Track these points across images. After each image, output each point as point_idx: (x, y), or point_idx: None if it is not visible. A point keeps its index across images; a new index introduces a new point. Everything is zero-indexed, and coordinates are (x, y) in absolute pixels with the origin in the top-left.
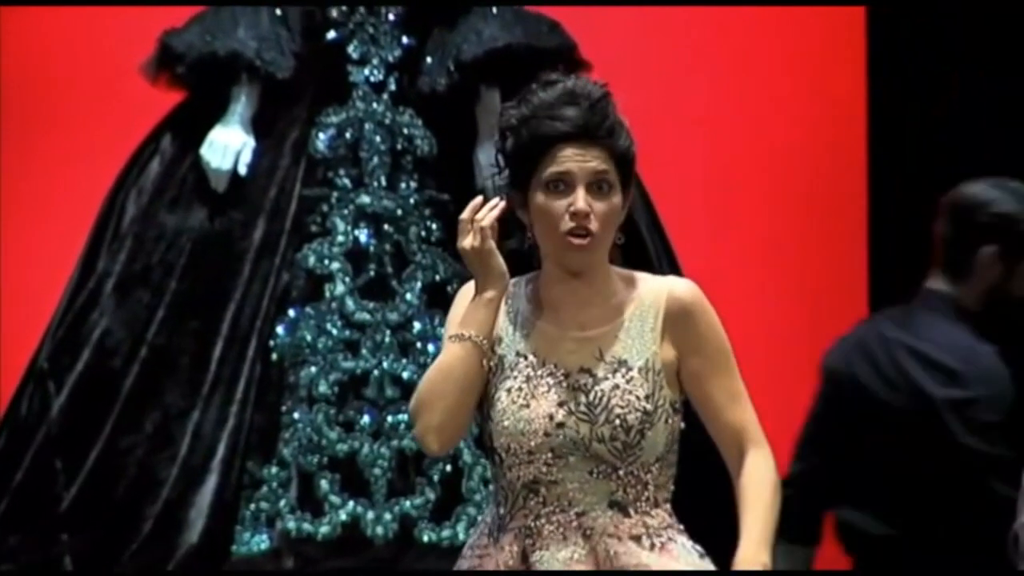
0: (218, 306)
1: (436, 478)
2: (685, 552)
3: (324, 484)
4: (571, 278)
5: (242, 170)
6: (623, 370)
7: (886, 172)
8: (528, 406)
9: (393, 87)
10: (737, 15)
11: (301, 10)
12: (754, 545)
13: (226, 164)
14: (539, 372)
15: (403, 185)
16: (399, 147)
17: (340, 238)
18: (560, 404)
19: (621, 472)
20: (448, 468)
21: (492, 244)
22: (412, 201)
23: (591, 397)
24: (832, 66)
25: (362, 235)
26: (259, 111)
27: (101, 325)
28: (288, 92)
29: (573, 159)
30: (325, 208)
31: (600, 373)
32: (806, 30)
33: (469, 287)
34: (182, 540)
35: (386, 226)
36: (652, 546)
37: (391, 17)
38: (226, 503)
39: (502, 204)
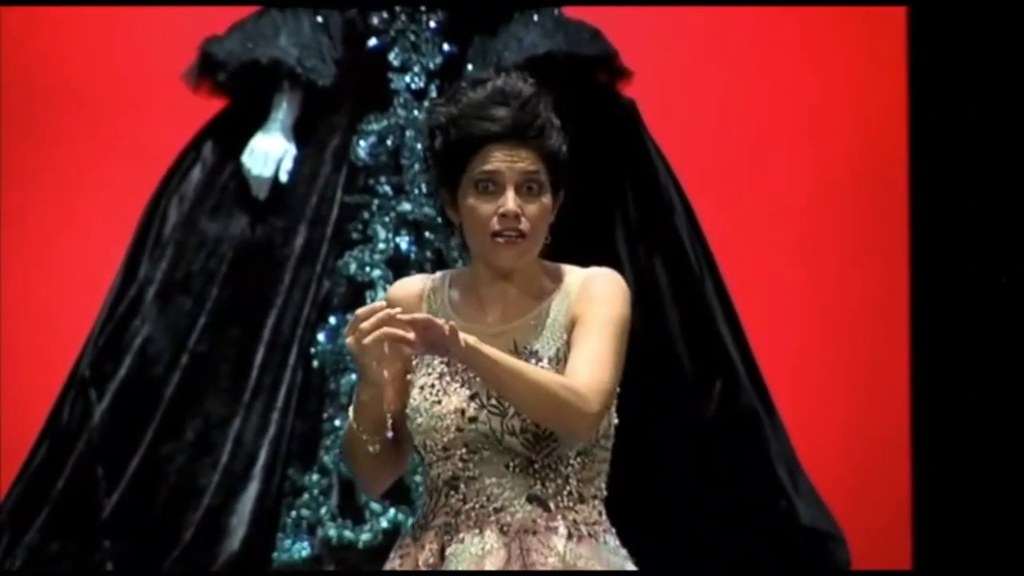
0: (259, 313)
1: None
2: (606, 551)
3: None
4: (500, 278)
5: (283, 177)
6: (533, 360)
7: (928, 175)
8: (440, 402)
9: (434, 94)
10: (774, 16)
11: (342, 17)
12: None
13: (267, 171)
14: (453, 368)
15: None
16: None
17: (381, 245)
18: (471, 398)
19: (537, 465)
20: None
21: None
22: None
23: None
24: (872, 67)
25: (403, 242)
26: (300, 118)
27: (143, 333)
28: (329, 99)
29: (502, 160)
30: (366, 215)
31: None
32: (846, 30)
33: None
34: (223, 547)
35: (427, 233)
36: (570, 535)
37: (432, 24)
38: (267, 510)
39: (393, 313)
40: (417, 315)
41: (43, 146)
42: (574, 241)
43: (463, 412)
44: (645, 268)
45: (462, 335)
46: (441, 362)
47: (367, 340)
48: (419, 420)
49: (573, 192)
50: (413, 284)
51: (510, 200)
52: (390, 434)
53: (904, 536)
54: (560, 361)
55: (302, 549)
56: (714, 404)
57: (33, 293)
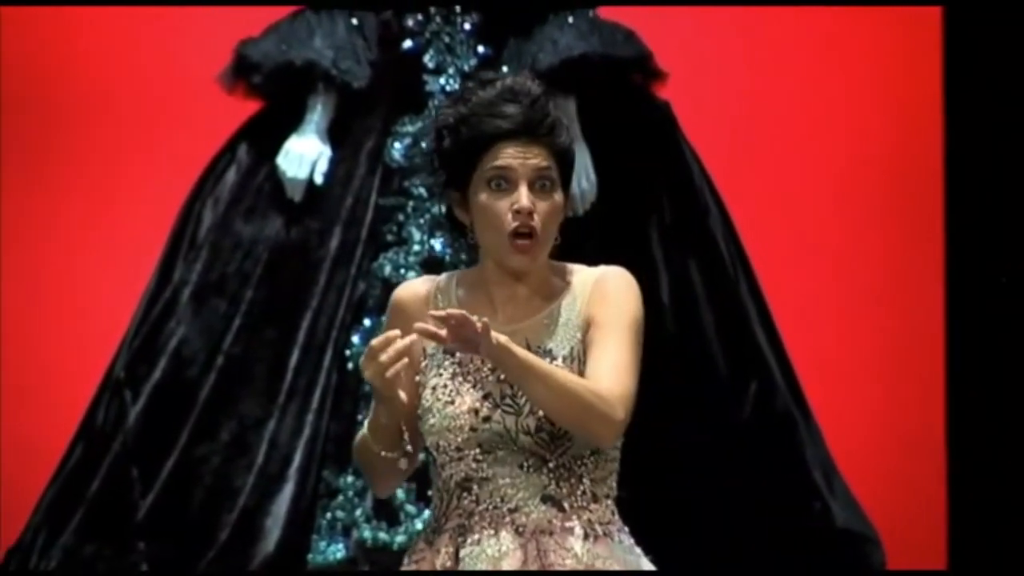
0: (294, 315)
1: None
2: (621, 550)
3: (400, 493)
4: (511, 277)
5: (318, 179)
6: (547, 359)
7: (963, 174)
8: (453, 402)
9: None
10: (808, 16)
11: (377, 19)
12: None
13: (302, 173)
14: (465, 368)
15: None
16: None
17: (416, 247)
18: (485, 397)
19: (552, 465)
20: None
21: (392, 376)
22: None
23: (515, 389)
24: (907, 67)
25: (437, 244)
26: (335, 120)
27: (178, 334)
28: (364, 101)
29: (514, 156)
30: (401, 217)
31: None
32: (881, 31)
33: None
34: (258, 549)
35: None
36: (586, 535)
37: (467, 26)
38: (302, 512)
39: (409, 341)
40: (452, 311)
41: (78, 148)
42: (609, 243)
43: (477, 412)
44: (680, 270)
45: (494, 333)
46: (452, 362)
47: (389, 374)
48: (432, 421)
49: (608, 194)
50: (419, 286)
51: (524, 196)
52: (409, 447)
53: (939, 537)
54: (575, 360)
55: (337, 551)
56: (749, 406)
57: (68, 295)
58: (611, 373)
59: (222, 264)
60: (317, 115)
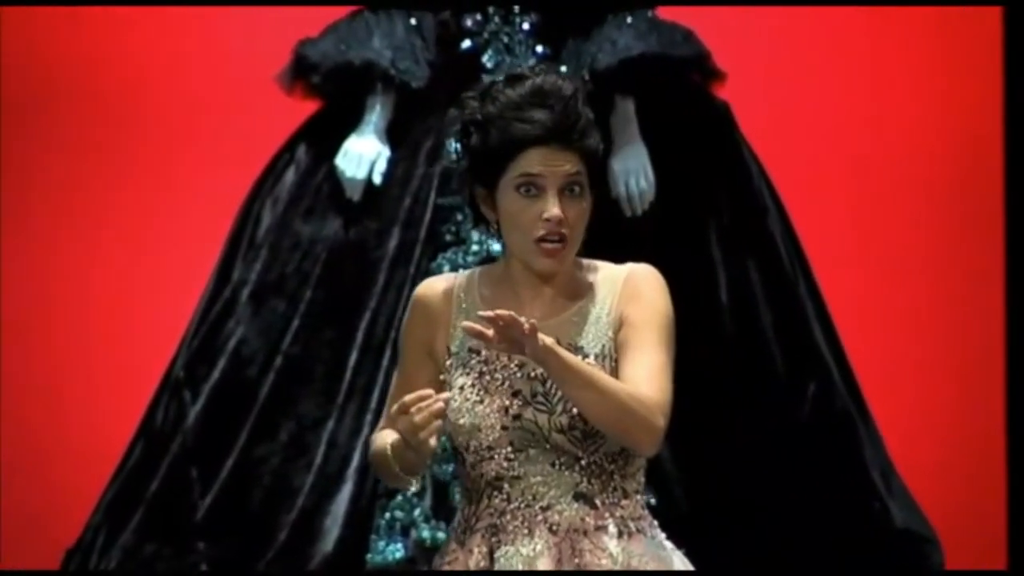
0: (353, 315)
1: None
2: (654, 546)
3: (458, 493)
4: (537, 276)
5: (377, 179)
6: (579, 357)
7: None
8: (482, 401)
9: None
10: (865, 16)
11: (436, 19)
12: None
13: (361, 173)
14: (492, 366)
15: None
16: None
17: (474, 247)
18: (514, 395)
19: (584, 462)
20: None
21: (426, 437)
22: None
23: (547, 386)
24: (967, 69)
25: (496, 244)
26: (394, 120)
27: (237, 334)
28: (423, 101)
29: (544, 163)
30: (459, 217)
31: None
32: (939, 31)
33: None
34: (317, 549)
35: None
36: (620, 533)
37: (525, 27)
38: (361, 512)
39: (445, 402)
40: (501, 312)
41: (138, 148)
42: (667, 243)
43: (507, 410)
44: (738, 270)
45: (540, 335)
46: (479, 360)
47: (422, 436)
48: (462, 420)
49: (666, 194)
50: (441, 283)
51: (554, 206)
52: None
53: (999, 537)
54: (606, 358)
55: (396, 551)
56: (807, 406)
57: (127, 295)
58: (650, 377)
59: (281, 264)
60: (376, 115)
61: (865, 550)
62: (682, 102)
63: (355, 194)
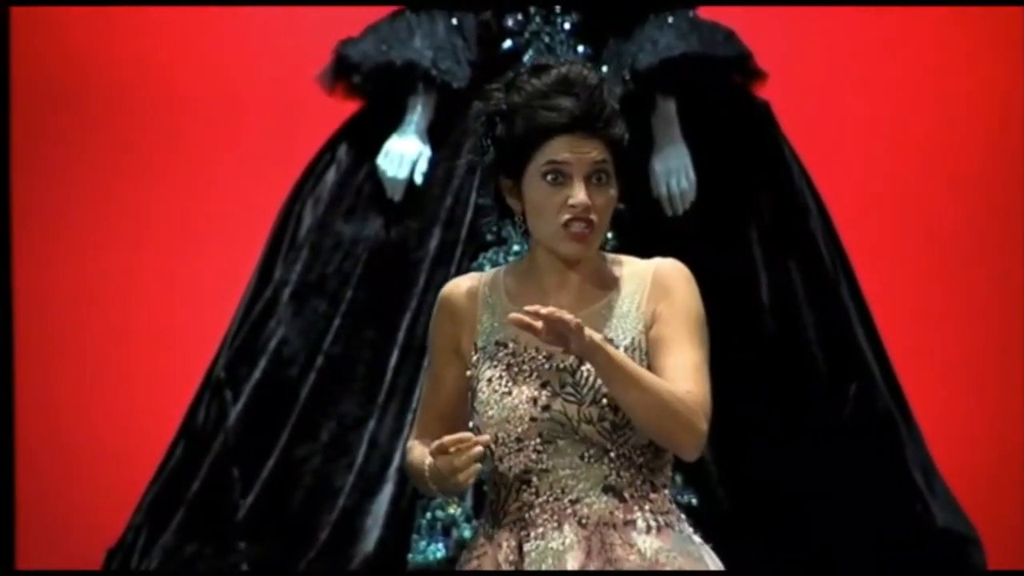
0: (394, 315)
1: None
2: (682, 540)
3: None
4: (564, 267)
5: (418, 179)
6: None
7: None
8: (510, 393)
9: None
10: (889, 16)
11: (477, 19)
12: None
13: (402, 173)
14: (520, 358)
15: None
16: None
17: (515, 247)
18: (543, 386)
19: (612, 455)
20: None
21: (464, 480)
22: None
23: (577, 377)
24: (990, 70)
25: None
26: (435, 120)
27: (278, 334)
28: (464, 101)
29: (571, 151)
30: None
31: None
32: (962, 32)
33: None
34: (358, 549)
35: None
36: (649, 528)
37: (567, 26)
38: (402, 512)
39: (483, 448)
40: (550, 308)
41: (179, 149)
42: (708, 243)
43: (535, 401)
44: (780, 271)
45: (587, 330)
46: (506, 353)
47: (461, 477)
48: (490, 412)
49: (707, 194)
50: (465, 282)
51: (581, 192)
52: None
53: None
54: (636, 350)
55: (437, 550)
56: (849, 407)
57: (168, 296)
58: (689, 376)
59: (322, 264)
60: (417, 115)
61: (907, 550)
62: (723, 102)
63: (396, 194)
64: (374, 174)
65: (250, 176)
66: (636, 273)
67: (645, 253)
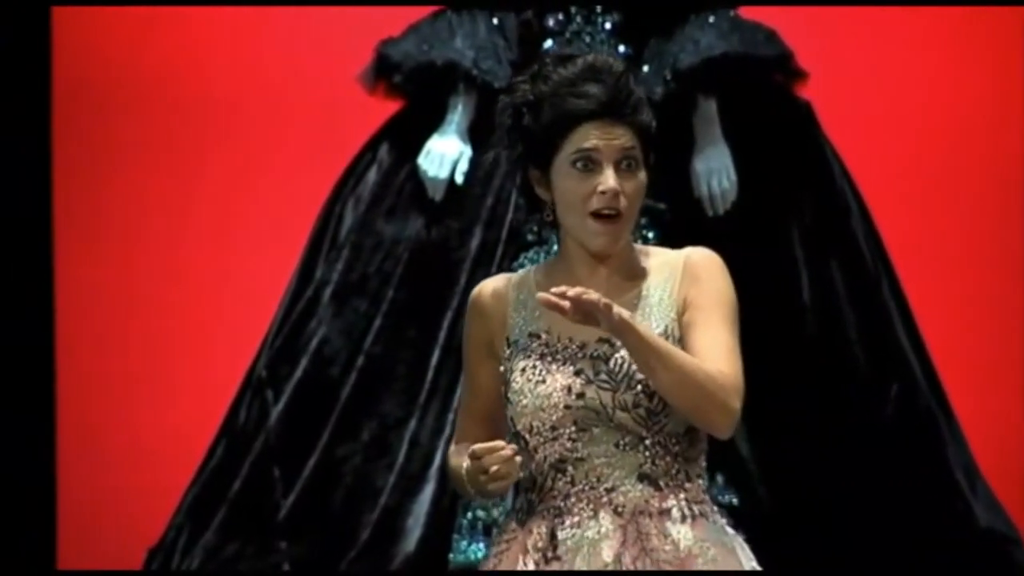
0: (435, 315)
1: None
2: (716, 530)
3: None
4: (595, 258)
5: (459, 179)
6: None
7: None
8: (544, 381)
9: None
10: (931, 16)
11: (518, 19)
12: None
13: (443, 173)
14: (554, 348)
15: None
16: None
17: (556, 247)
18: (577, 374)
19: (648, 442)
20: None
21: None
22: None
23: (611, 365)
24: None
25: None
26: (476, 120)
27: (319, 334)
28: None
29: (599, 137)
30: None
31: (619, 341)
32: (1013, 31)
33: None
34: (399, 548)
35: None
36: (683, 518)
37: (608, 26)
38: (443, 511)
39: (511, 455)
40: (578, 288)
41: (217, 147)
42: (749, 242)
43: (570, 389)
44: (821, 270)
45: (616, 308)
46: (540, 343)
47: (493, 487)
48: (524, 401)
49: (748, 194)
50: (495, 283)
51: (611, 178)
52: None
53: None
54: (669, 337)
55: (478, 550)
56: (891, 406)
57: (209, 295)
58: (722, 356)
59: (363, 264)
60: (458, 115)
61: (949, 550)
62: (764, 102)
63: (437, 194)
64: (415, 174)
65: (291, 175)
66: (667, 263)
67: None
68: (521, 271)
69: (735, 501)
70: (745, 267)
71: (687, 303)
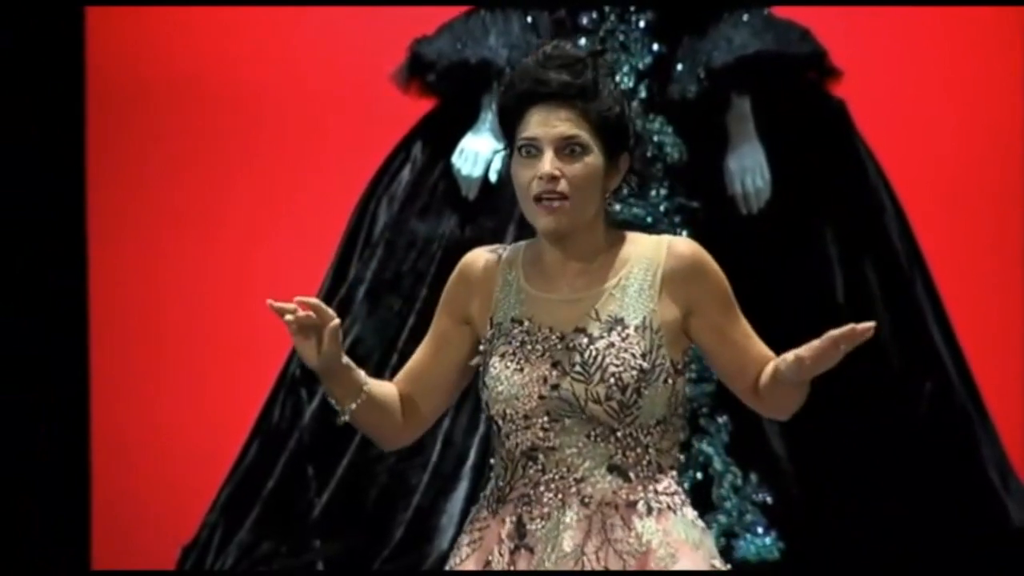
0: None
1: (686, 485)
2: (683, 525)
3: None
4: (556, 244)
5: (492, 177)
6: (619, 328)
7: None
8: (522, 370)
9: (643, 94)
10: (964, 15)
11: (551, 18)
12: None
13: (477, 171)
14: (533, 336)
15: (653, 192)
16: (649, 154)
17: None
18: (554, 365)
19: (619, 434)
20: (699, 475)
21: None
22: (662, 208)
23: (585, 356)
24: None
25: None
26: None
27: (353, 332)
28: None
29: (540, 124)
30: None
31: (595, 332)
32: (999, 31)
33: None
34: (433, 547)
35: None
36: (649, 511)
37: (641, 24)
38: None
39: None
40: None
41: (250, 146)
42: (783, 241)
43: (545, 379)
44: (855, 269)
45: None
46: (521, 331)
47: (288, 318)
48: (500, 388)
49: (782, 192)
50: (487, 253)
51: (547, 162)
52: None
53: None
54: (647, 329)
55: None
56: (924, 405)
57: (242, 293)
58: (761, 346)
59: (397, 262)
60: (492, 113)
61: (983, 548)
62: (798, 100)
63: (471, 192)
64: (449, 172)
65: (325, 174)
66: (646, 250)
67: (720, 251)
68: (512, 247)
69: (769, 500)
70: (779, 266)
71: (692, 304)
